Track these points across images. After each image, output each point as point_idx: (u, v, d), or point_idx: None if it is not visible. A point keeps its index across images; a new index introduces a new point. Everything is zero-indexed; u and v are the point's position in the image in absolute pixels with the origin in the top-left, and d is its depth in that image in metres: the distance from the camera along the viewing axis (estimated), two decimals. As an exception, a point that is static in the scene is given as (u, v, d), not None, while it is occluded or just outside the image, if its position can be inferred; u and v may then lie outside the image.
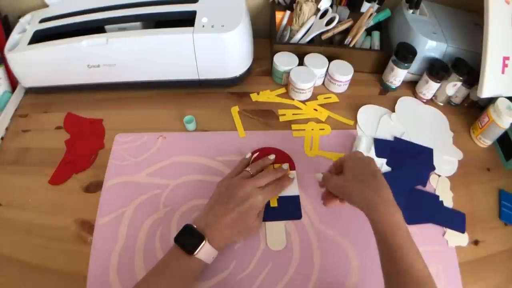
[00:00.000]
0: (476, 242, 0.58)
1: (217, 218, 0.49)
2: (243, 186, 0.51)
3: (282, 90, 0.75)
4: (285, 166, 0.60)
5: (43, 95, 0.73)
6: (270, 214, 0.56)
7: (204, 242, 0.46)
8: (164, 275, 0.45)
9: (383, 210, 0.45)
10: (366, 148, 0.66)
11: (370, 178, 0.49)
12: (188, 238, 0.47)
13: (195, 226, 0.48)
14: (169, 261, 0.46)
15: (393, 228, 0.44)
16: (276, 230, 0.55)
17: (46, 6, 0.73)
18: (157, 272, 0.45)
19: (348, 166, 0.52)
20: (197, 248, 0.45)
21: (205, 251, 0.46)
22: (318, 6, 0.75)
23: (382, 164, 0.64)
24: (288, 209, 0.57)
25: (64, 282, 0.50)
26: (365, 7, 0.79)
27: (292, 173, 0.61)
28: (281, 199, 0.58)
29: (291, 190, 0.59)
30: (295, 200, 0.58)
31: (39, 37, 0.66)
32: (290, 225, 0.56)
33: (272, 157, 0.60)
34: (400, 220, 0.45)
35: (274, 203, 0.58)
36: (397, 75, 0.74)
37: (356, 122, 0.71)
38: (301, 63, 0.74)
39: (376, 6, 0.77)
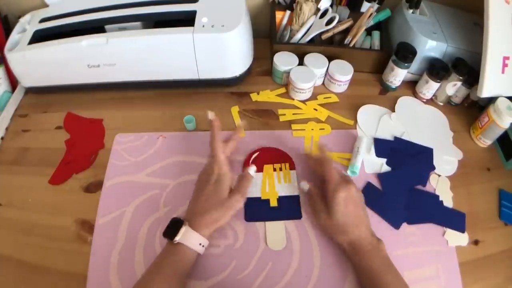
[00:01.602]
0: (476, 242, 0.58)
1: (195, 203, 0.51)
2: (209, 167, 0.53)
3: (282, 90, 0.75)
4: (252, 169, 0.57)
5: (43, 95, 0.73)
6: (270, 214, 0.56)
7: (183, 226, 0.47)
8: (157, 270, 0.46)
9: (368, 255, 0.49)
10: (366, 148, 0.66)
11: (352, 230, 0.50)
12: (170, 227, 0.48)
13: (177, 216, 0.50)
14: (161, 256, 0.47)
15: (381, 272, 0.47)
16: (276, 230, 0.55)
17: (46, 6, 0.73)
18: (151, 269, 0.46)
19: (338, 208, 0.50)
20: (177, 233, 0.46)
21: (186, 236, 0.47)
22: (318, 6, 0.75)
23: (382, 164, 0.64)
24: (288, 209, 0.57)
25: (64, 282, 0.50)
26: (365, 7, 0.79)
27: (293, 172, 0.61)
28: (281, 199, 0.58)
29: (291, 190, 0.59)
30: (295, 200, 0.58)
31: (39, 37, 0.66)
32: (290, 225, 0.56)
33: (252, 170, 0.56)
34: (384, 261, 0.49)
35: (274, 203, 0.58)
36: (397, 75, 0.74)
37: (356, 122, 0.71)
38: (301, 63, 0.74)
39: (376, 6, 0.77)
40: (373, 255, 0.49)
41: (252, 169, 0.56)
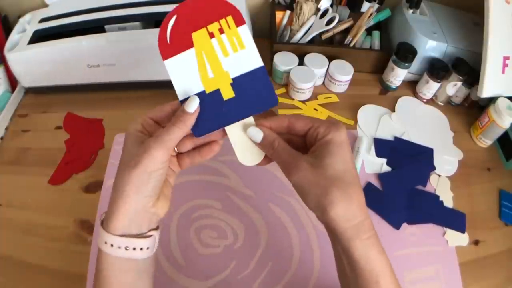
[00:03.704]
0: (476, 242, 0.58)
1: None
2: None
3: (282, 90, 0.75)
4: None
5: (43, 95, 0.72)
6: (227, 113, 0.35)
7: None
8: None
9: (370, 242, 0.31)
10: (366, 148, 0.66)
11: (357, 187, 0.31)
12: None
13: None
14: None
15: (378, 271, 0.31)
16: (244, 136, 0.35)
17: (46, 6, 0.73)
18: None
19: (332, 157, 0.31)
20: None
21: (100, 238, 0.32)
22: (318, 6, 0.75)
23: (382, 164, 0.64)
24: (253, 94, 0.35)
25: (64, 282, 0.50)
26: (365, 7, 0.79)
27: (243, 29, 0.36)
28: (237, 83, 0.35)
29: (249, 60, 0.35)
30: (259, 75, 0.35)
31: (39, 37, 0.66)
32: (289, 224, 0.56)
33: (191, 107, 0.34)
34: (385, 262, 0.32)
35: (229, 93, 0.35)
36: (398, 75, 0.74)
37: (356, 122, 0.71)
38: (301, 63, 0.74)
39: (376, 6, 0.77)
40: (377, 239, 0.32)
41: (192, 105, 0.33)
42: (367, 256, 0.31)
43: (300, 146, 0.35)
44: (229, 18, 0.36)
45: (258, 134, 0.34)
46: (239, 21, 0.36)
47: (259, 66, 0.35)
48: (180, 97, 0.35)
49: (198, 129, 0.35)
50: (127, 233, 0.32)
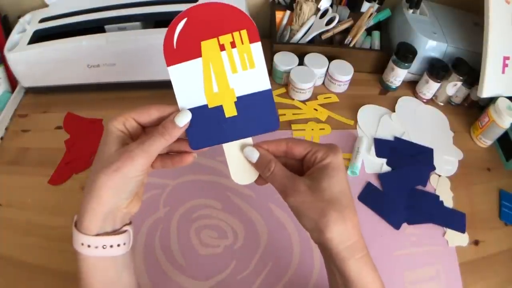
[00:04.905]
0: (476, 242, 0.58)
1: None
2: None
3: (282, 90, 0.75)
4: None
5: (42, 95, 0.72)
6: (227, 130, 0.35)
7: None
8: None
9: (363, 263, 0.33)
10: (366, 148, 0.66)
11: (352, 209, 0.33)
12: None
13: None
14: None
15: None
16: (240, 155, 0.36)
17: (46, 6, 0.73)
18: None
19: (329, 180, 0.32)
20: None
21: (75, 240, 0.32)
22: (318, 6, 0.75)
23: (382, 164, 0.64)
24: (256, 116, 0.35)
25: (64, 282, 0.50)
26: (365, 7, 0.79)
27: (256, 46, 0.34)
28: (241, 102, 0.35)
29: (256, 83, 0.35)
30: (265, 98, 0.35)
31: (39, 37, 0.66)
32: (289, 224, 0.56)
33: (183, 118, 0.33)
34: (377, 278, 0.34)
35: (231, 111, 0.35)
36: (398, 75, 0.74)
37: (356, 122, 0.71)
38: (301, 63, 0.74)
39: (376, 6, 0.77)
40: (369, 258, 0.34)
41: (183, 119, 0.33)
42: (360, 274, 0.32)
43: (295, 169, 0.36)
44: (243, 32, 0.34)
45: (254, 154, 0.35)
46: (253, 37, 0.34)
47: (266, 89, 0.35)
48: (181, 107, 0.35)
49: (196, 143, 0.35)
50: (102, 232, 0.32)
